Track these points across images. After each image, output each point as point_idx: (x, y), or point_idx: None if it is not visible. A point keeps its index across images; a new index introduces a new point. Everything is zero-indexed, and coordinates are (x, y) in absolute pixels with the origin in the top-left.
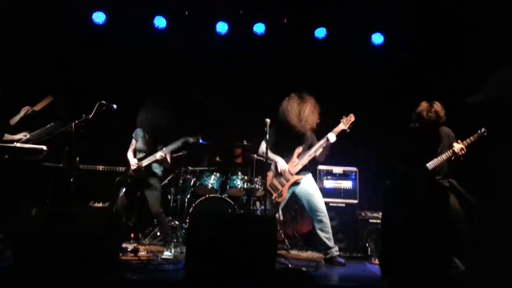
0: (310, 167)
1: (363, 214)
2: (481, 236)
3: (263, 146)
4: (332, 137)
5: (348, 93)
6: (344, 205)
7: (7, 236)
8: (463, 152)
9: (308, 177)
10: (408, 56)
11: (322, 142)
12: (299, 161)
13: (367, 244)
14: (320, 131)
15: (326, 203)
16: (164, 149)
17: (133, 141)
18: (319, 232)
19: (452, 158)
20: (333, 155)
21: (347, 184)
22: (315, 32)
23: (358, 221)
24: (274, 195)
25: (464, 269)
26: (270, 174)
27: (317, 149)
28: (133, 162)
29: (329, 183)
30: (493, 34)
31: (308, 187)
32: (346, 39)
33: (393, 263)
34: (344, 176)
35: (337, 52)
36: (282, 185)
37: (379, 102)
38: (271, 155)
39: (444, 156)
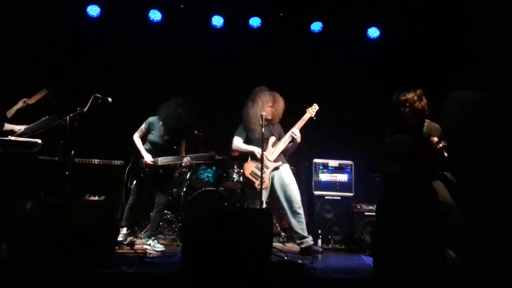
0: (288, 159)
1: (358, 207)
2: (474, 230)
3: (236, 140)
4: (296, 132)
5: (344, 87)
6: (339, 198)
7: (1, 229)
8: (439, 145)
9: (285, 167)
10: (404, 50)
11: (288, 136)
12: (274, 148)
13: (362, 237)
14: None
15: (322, 196)
16: (189, 156)
17: (144, 129)
18: (294, 223)
19: (435, 151)
20: (329, 148)
21: (342, 177)
22: (311, 25)
23: (354, 214)
24: (257, 182)
25: (457, 261)
26: (248, 164)
27: (286, 140)
28: (148, 159)
29: (324, 176)
30: (491, 30)
31: (284, 177)
32: (342, 33)
33: (386, 258)
34: (339, 169)
35: (333, 45)
36: (263, 172)
37: (374, 96)
38: (245, 146)
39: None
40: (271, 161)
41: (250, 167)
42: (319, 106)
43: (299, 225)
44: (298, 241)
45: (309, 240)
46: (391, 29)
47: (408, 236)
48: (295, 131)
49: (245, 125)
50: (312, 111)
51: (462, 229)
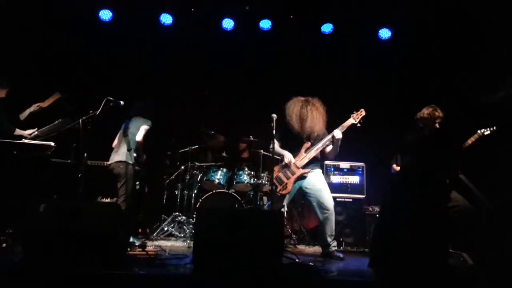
0: (320, 162)
1: (370, 209)
2: (490, 232)
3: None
4: (338, 133)
5: (355, 88)
6: (351, 200)
7: (16, 231)
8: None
9: (317, 173)
10: (416, 51)
11: (329, 137)
12: (306, 155)
13: None
14: (329, 125)
15: (333, 198)
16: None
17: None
18: (322, 228)
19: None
20: (340, 150)
21: (354, 179)
22: (322, 27)
23: (365, 216)
24: (279, 187)
25: (472, 264)
26: (277, 168)
27: (324, 143)
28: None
29: (336, 178)
30: (500, 32)
31: (316, 182)
32: (353, 34)
33: (387, 258)
34: (351, 171)
35: (344, 47)
36: (288, 178)
37: (386, 97)
38: (279, 149)
39: None
40: (298, 168)
41: (276, 171)
42: (326, 106)
43: (327, 231)
44: (321, 245)
45: (332, 247)
46: (403, 30)
47: (413, 235)
48: (337, 132)
49: (283, 127)
50: (357, 117)
51: (475, 229)
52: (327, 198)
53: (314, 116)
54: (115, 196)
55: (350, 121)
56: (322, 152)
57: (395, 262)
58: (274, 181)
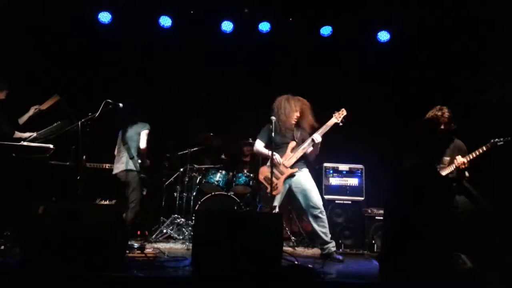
0: (308, 163)
1: (369, 211)
2: (490, 232)
3: (257, 144)
4: (317, 137)
5: (354, 90)
6: (350, 202)
7: (15, 233)
8: (464, 166)
9: (304, 172)
10: (416, 52)
11: (309, 141)
12: (293, 154)
13: (373, 241)
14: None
15: (332, 200)
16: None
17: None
18: (315, 226)
19: (456, 171)
20: (339, 152)
21: (353, 181)
22: (321, 29)
23: (365, 218)
24: (269, 188)
25: (471, 266)
26: (263, 168)
27: (309, 143)
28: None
29: (335, 180)
30: (500, 32)
31: (304, 182)
32: (352, 37)
33: (395, 260)
34: (350, 173)
35: (343, 48)
36: (277, 178)
37: (385, 99)
38: (263, 150)
39: (450, 169)
40: (286, 167)
41: (265, 172)
42: (327, 110)
43: (321, 229)
44: (320, 246)
45: (331, 247)
46: (403, 30)
47: (420, 237)
48: (316, 137)
49: (270, 128)
50: (339, 116)
51: (475, 230)
52: (316, 197)
53: (309, 114)
54: (114, 198)
55: (333, 120)
56: (306, 152)
57: (394, 262)
58: (263, 181)
